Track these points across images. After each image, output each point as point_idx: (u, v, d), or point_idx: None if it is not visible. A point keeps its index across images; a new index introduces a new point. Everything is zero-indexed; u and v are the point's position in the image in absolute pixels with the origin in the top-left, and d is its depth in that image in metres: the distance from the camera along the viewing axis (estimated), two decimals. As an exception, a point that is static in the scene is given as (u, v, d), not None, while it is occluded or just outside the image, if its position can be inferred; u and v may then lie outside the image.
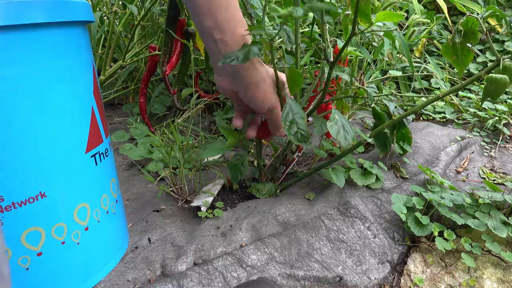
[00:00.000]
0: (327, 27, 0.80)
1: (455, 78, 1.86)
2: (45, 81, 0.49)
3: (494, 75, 0.67)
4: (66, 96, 0.52)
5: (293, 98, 0.74)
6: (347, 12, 0.72)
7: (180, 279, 0.63)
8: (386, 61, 1.56)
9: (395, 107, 0.86)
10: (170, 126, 1.25)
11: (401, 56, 1.63)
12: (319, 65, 1.50)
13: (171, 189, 0.93)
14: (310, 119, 0.92)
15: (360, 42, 1.24)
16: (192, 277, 0.64)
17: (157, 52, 1.19)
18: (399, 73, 1.24)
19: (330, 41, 0.81)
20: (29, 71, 0.47)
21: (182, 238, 0.76)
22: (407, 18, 2.07)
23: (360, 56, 1.27)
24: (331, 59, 0.75)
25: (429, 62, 1.75)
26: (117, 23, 1.33)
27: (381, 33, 0.74)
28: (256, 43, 0.69)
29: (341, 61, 0.95)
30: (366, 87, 0.83)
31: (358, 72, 1.05)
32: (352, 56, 1.27)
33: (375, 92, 0.87)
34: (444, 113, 1.54)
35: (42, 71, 0.48)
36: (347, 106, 1.08)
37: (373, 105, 0.86)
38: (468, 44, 0.71)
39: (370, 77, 1.54)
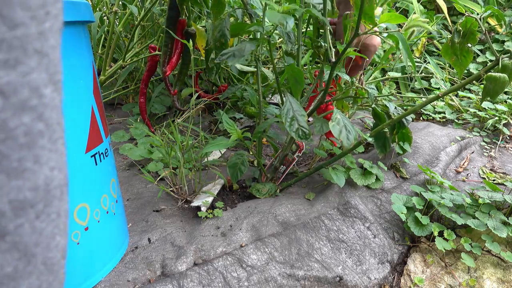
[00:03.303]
0: (328, 28, 0.80)
1: (455, 78, 1.86)
2: (45, 81, 0.49)
3: (493, 73, 0.67)
4: (66, 96, 0.52)
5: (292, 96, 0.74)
6: (347, 12, 0.72)
7: (180, 279, 0.63)
8: (384, 63, 1.56)
9: (395, 107, 0.86)
10: (170, 126, 1.25)
11: (400, 56, 1.63)
12: (319, 65, 1.50)
13: (171, 189, 0.93)
14: (310, 119, 0.92)
15: None
16: (192, 277, 0.64)
17: (157, 52, 1.19)
18: (398, 74, 1.24)
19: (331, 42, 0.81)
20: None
21: (182, 238, 0.76)
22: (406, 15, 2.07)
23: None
24: (333, 60, 0.75)
25: (429, 62, 1.75)
26: (117, 23, 1.33)
27: (384, 34, 0.74)
28: (252, 40, 0.69)
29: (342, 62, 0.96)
30: (366, 87, 0.83)
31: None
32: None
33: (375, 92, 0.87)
34: (444, 113, 1.55)
35: (42, 71, 0.48)
36: (347, 106, 1.08)
37: (373, 105, 0.86)
38: (468, 45, 0.71)
39: (370, 77, 1.54)
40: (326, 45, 0.73)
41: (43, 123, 0.17)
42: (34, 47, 0.16)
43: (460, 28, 0.70)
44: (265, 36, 0.67)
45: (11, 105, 0.15)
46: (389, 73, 1.37)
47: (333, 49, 0.76)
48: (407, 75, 1.59)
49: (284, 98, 0.72)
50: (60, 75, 0.19)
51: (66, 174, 0.20)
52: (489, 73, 0.67)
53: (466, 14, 0.67)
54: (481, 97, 0.72)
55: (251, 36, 1.14)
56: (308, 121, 0.91)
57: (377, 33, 0.70)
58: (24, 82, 0.16)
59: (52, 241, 0.19)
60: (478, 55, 2.07)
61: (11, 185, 0.16)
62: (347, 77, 0.78)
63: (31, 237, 0.17)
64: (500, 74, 0.66)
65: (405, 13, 2.18)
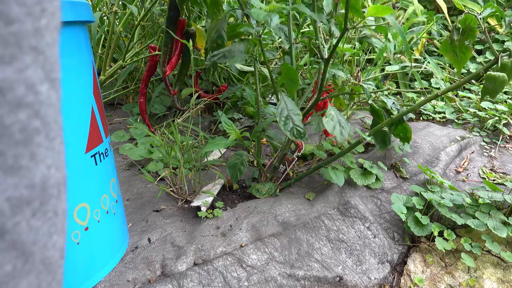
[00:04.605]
0: (320, 26, 0.80)
1: (455, 78, 1.86)
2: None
3: (492, 73, 0.67)
4: (66, 96, 0.52)
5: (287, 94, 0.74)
6: (341, 11, 0.72)
7: (180, 279, 0.63)
8: (385, 57, 1.56)
9: (393, 102, 0.86)
10: (170, 126, 1.25)
11: (400, 56, 1.63)
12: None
13: (171, 189, 0.93)
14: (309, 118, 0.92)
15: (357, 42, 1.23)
16: (192, 277, 0.64)
17: (157, 52, 1.19)
18: (396, 67, 1.24)
19: (325, 39, 0.81)
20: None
21: (182, 238, 0.76)
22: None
23: (359, 53, 1.27)
24: (325, 56, 0.74)
25: (429, 62, 1.75)
26: (117, 23, 1.33)
27: (373, 27, 0.73)
28: (243, 40, 0.69)
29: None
30: (362, 83, 0.83)
31: (355, 70, 1.05)
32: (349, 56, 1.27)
33: (372, 88, 0.87)
34: (444, 113, 1.55)
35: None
36: (344, 103, 1.08)
37: (370, 101, 0.86)
38: (466, 42, 0.71)
39: (369, 75, 1.54)
40: (318, 41, 0.73)
41: (39, 120, 0.17)
42: (29, 44, 0.16)
43: (459, 25, 0.70)
44: (257, 36, 0.68)
45: (7, 101, 0.16)
46: (387, 68, 1.36)
47: (326, 46, 0.76)
48: (405, 71, 1.59)
49: (279, 97, 0.72)
50: (58, 73, 0.19)
51: (64, 173, 0.20)
52: (489, 72, 0.67)
53: (465, 12, 0.67)
54: (480, 96, 0.72)
55: (250, 37, 1.14)
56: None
57: (367, 26, 0.70)
58: (20, 78, 0.16)
59: (49, 240, 0.19)
60: (478, 55, 2.07)
61: (8, 182, 0.16)
62: (342, 74, 0.78)
63: (28, 235, 0.17)
64: (499, 73, 0.66)
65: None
